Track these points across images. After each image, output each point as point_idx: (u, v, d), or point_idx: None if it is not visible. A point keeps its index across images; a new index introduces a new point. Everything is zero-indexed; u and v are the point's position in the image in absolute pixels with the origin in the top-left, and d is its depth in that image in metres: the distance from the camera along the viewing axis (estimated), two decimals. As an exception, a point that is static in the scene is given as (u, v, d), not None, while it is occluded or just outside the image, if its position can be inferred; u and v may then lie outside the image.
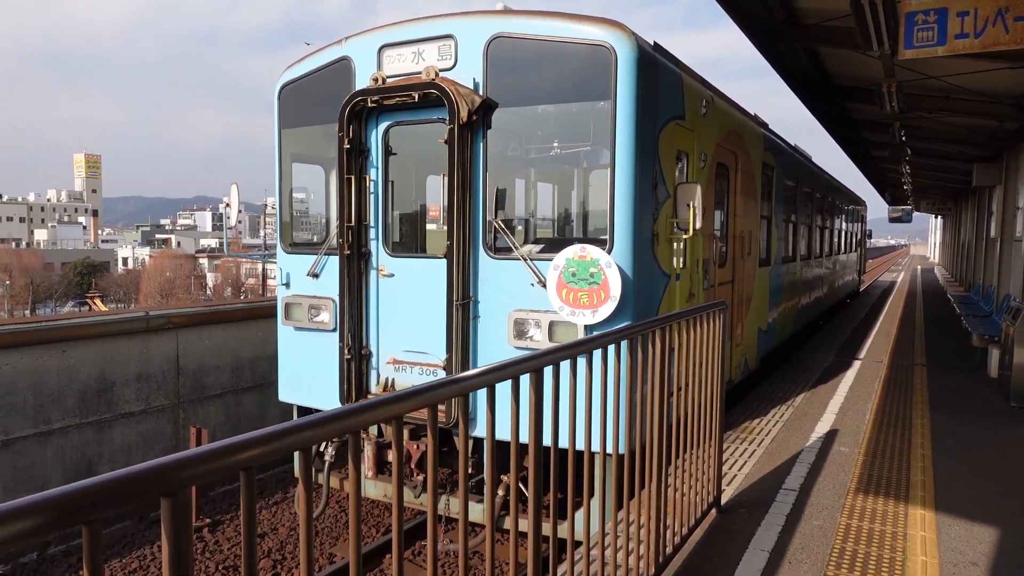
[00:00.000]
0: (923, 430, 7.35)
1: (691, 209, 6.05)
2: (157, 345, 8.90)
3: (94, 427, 8.24)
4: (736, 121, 8.46)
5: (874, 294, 26.54)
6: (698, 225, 6.11)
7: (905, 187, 26.55)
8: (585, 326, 5.51)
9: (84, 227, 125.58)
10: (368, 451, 6.53)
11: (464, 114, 5.75)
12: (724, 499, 5.27)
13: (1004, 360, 9.12)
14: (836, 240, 18.37)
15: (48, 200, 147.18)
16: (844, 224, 19.89)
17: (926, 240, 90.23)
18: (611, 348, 3.36)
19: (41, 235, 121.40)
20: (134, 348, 8.65)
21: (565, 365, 2.97)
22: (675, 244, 6.37)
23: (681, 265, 6.54)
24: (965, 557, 4.44)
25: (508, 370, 2.57)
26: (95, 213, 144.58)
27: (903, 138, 13.63)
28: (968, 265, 23.71)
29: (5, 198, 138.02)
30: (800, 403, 8.51)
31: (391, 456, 6.59)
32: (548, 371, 2.83)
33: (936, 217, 51.27)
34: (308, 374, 6.92)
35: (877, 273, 46.31)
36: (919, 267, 50.79)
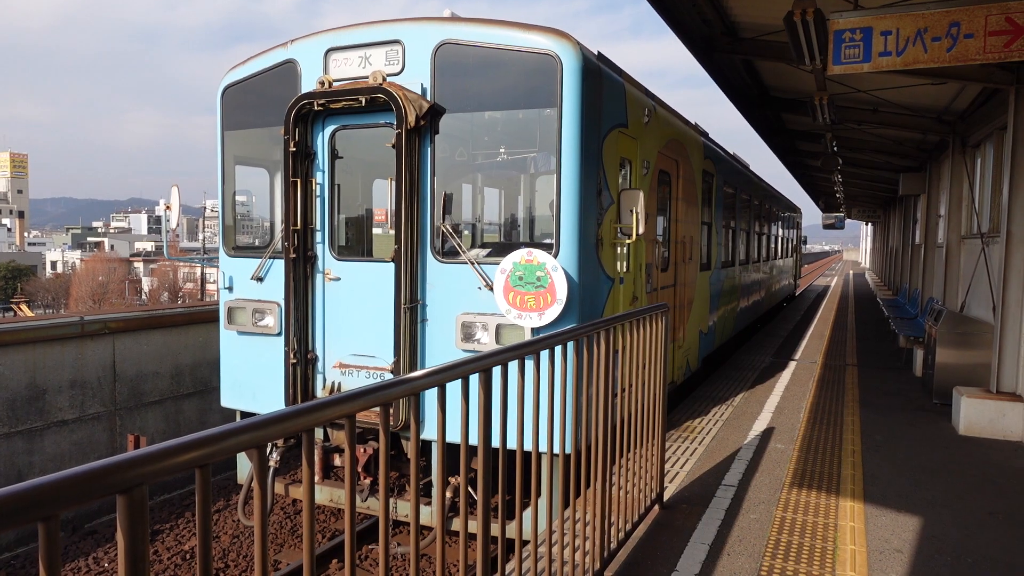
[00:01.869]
0: (853, 427, 7.71)
1: (634, 214, 6.22)
2: (93, 351, 8.61)
3: (24, 436, 7.92)
4: (677, 130, 8.66)
5: (809, 298, 27.54)
6: (641, 230, 6.27)
7: (837, 195, 27.65)
8: (532, 328, 5.60)
9: (9, 229, 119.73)
10: (315, 455, 6.44)
11: (412, 119, 5.78)
12: (667, 495, 5.44)
13: (927, 359, 9.63)
14: (773, 246, 18.99)
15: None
16: (781, 230, 20.63)
17: (858, 246, 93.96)
18: (558, 349, 3.43)
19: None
20: (68, 354, 8.35)
21: (513, 366, 3.02)
22: (619, 248, 6.50)
23: (625, 269, 6.67)
24: (890, 545, 4.70)
25: (458, 370, 2.61)
26: (21, 214, 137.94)
27: (835, 148, 14.23)
28: (896, 270, 24.85)
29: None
30: (739, 402, 8.81)
31: (338, 460, 6.53)
32: (496, 372, 2.89)
33: (867, 224, 53.45)
34: (252, 379, 6.84)
35: (812, 278, 48.00)
36: (851, 272, 52.89)
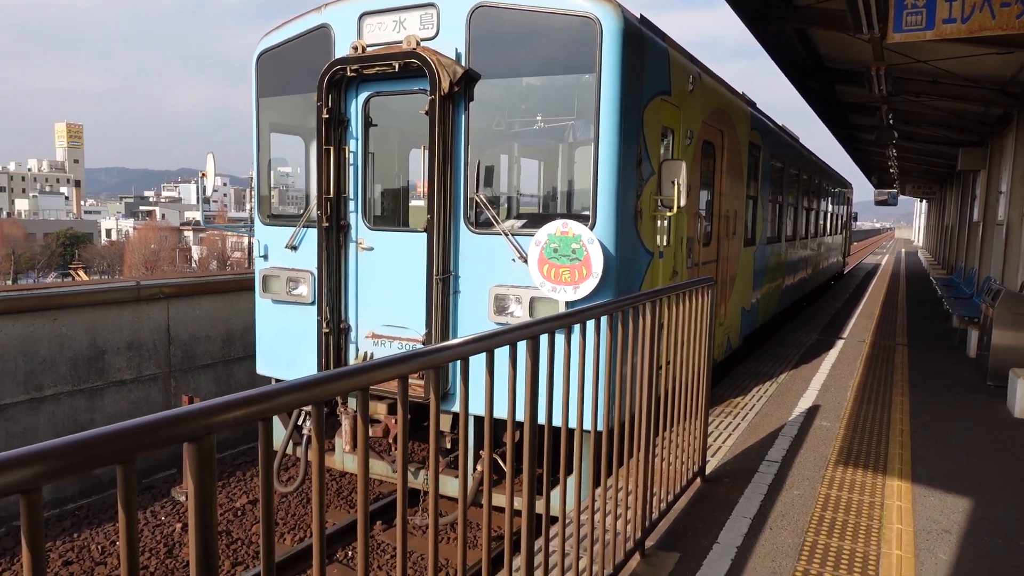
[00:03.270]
0: (902, 406, 7.55)
1: (675, 186, 6.00)
2: (148, 314, 8.91)
3: (86, 395, 8.27)
4: (723, 99, 8.36)
5: (858, 276, 26.86)
6: (682, 203, 6.08)
7: (891, 170, 26.77)
8: (566, 303, 5.48)
9: (67, 198, 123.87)
10: (346, 425, 6.50)
11: (445, 85, 5.63)
12: (709, 469, 5.43)
13: (983, 340, 9.35)
14: (821, 222, 18.45)
15: (29, 170, 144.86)
16: (830, 206, 19.97)
17: (911, 224, 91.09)
18: (591, 323, 3.31)
19: (22, 205, 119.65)
20: (125, 317, 8.66)
21: (544, 339, 2.91)
22: (659, 221, 6.32)
23: (665, 243, 6.49)
24: (938, 525, 4.62)
25: (503, 337, 2.56)
26: (77, 183, 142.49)
27: (890, 121, 13.75)
28: (951, 248, 24.04)
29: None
30: (784, 380, 8.69)
31: (370, 431, 6.62)
32: (544, 340, 2.83)
33: (921, 201, 51.75)
34: (286, 347, 6.85)
35: (862, 256, 46.77)
36: (903, 250, 51.34)
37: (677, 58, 6.63)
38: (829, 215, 19.99)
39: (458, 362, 2.39)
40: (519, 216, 6.75)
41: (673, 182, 6.02)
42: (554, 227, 5.42)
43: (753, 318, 10.83)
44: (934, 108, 13.65)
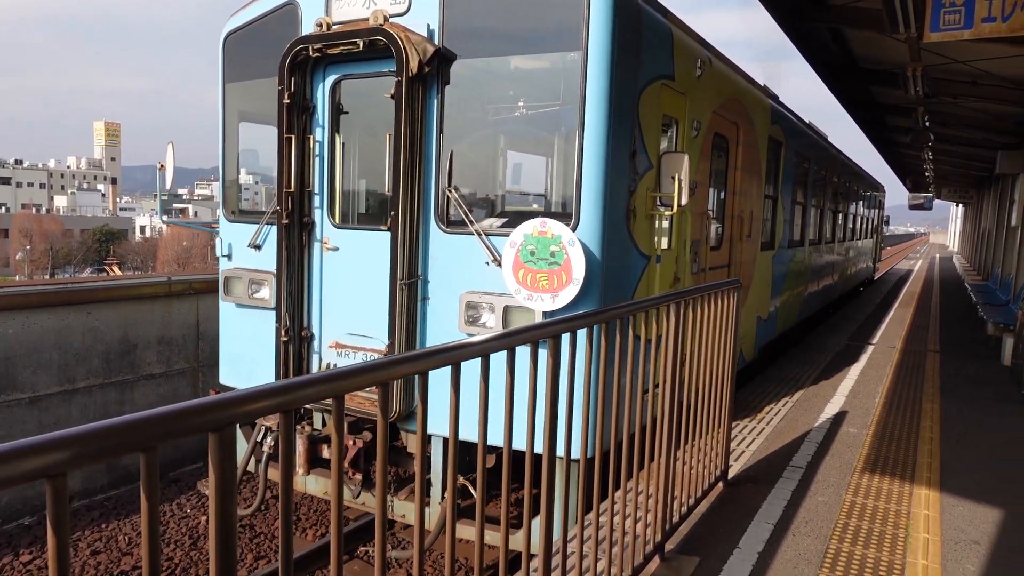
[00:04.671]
0: (932, 415, 7.40)
1: (676, 182, 5.34)
2: (178, 310, 9.07)
3: (117, 387, 8.45)
4: (738, 88, 7.63)
5: (890, 281, 26.38)
6: (683, 201, 5.42)
7: (926, 174, 26.26)
8: (544, 313, 4.86)
9: (103, 195, 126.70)
10: (300, 446, 5.85)
11: (414, 65, 5.02)
12: (732, 473, 5.37)
13: (1018, 348, 9.12)
14: (850, 225, 17.80)
15: (68, 167, 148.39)
16: (860, 209, 19.41)
17: (946, 228, 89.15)
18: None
19: (61, 201, 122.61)
20: (156, 312, 8.83)
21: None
22: (657, 222, 5.69)
23: (664, 246, 5.89)
24: (967, 536, 4.53)
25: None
26: (114, 181, 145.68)
27: (926, 123, 13.49)
28: (987, 254, 23.50)
29: (26, 164, 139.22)
30: (811, 384, 8.57)
31: (326, 452, 5.94)
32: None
33: (957, 205, 50.67)
34: (249, 355, 6.28)
35: (894, 261, 45.93)
36: (937, 255, 50.29)
37: (682, 39, 5.97)
38: (858, 218, 19.40)
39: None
40: (500, 214, 6.03)
41: (674, 177, 5.38)
42: (531, 227, 4.80)
43: (771, 327, 10.13)
44: (972, 110, 13.36)
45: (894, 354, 10.80)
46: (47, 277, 64.23)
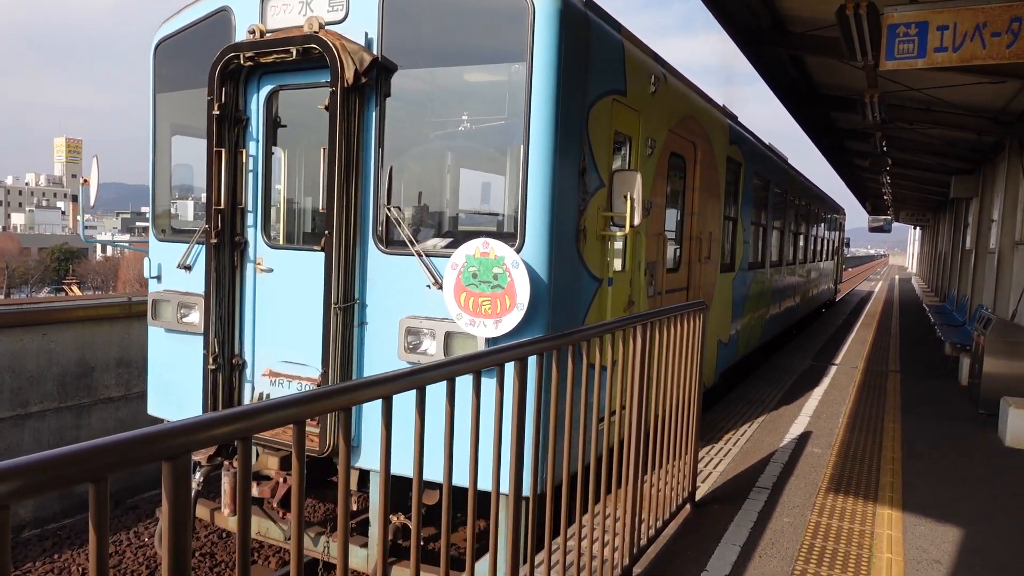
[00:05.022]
0: (894, 434, 7.53)
1: (628, 201, 5.16)
2: (139, 331, 8.86)
3: (73, 412, 8.20)
4: (695, 107, 7.45)
5: (851, 303, 26.93)
6: (636, 221, 5.23)
7: (885, 197, 26.97)
8: (486, 339, 4.58)
9: (63, 212, 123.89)
10: (226, 483, 5.47)
11: (350, 75, 4.77)
12: (699, 495, 5.39)
13: (974, 368, 9.35)
14: (811, 247, 17.96)
15: (27, 184, 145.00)
16: (821, 231, 19.66)
17: (904, 250, 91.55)
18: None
19: (18, 219, 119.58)
20: (115, 333, 8.62)
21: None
22: (609, 243, 5.45)
23: (617, 268, 5.67)
24: (928, 555, 4.59)
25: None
26: (75, 198, 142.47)
27: (884, 148, 13.88)
28: (944, 276, 24.16)
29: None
30: (776, 405, 8.67)
31: (256, 489, 5.45)
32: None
33: (915, 228, 52.10)
34: (179, 384, 5.89)
35: (855, 283, 46.95)
36: (897, 277, 51.57)
37: (635, 53, 5.80)
38: (820, 240, 19.61)
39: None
40: (444, 234, 5.68)
41: (626, 196, 5.19)
42: (473, 247, 4.54)
43: (732, 351, 9.89)
44: (928, 136, 13.79)
45: (856, 374, 10.99)
46: (1, 297, 62.41)
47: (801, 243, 15.95)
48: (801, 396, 9.23)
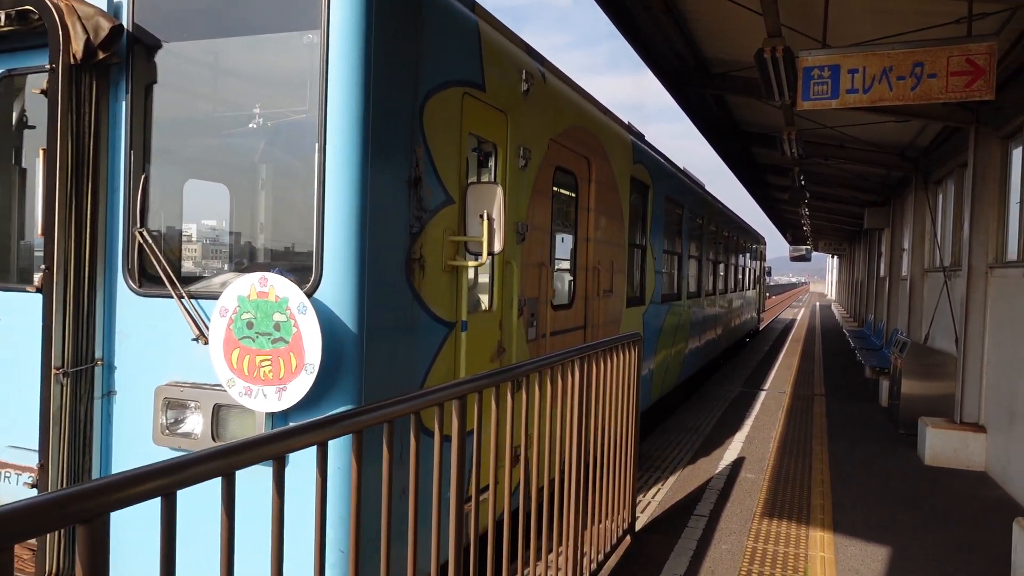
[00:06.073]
0: (822, 456, 7.77)
1: (485, 222, 4.10)
2: None
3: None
4: (588, 117, 6.44)
5: (775, 330, 27.91)
6: (498, 247, 4.15)
7: (805, 228, 28.23)
8: (267, 414, 3.33)
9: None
10: None
11: (78, 47, 3.45)
12: (639, 525, 5.41)
13: (893, 390, 9.79)
14: (733, 276, 17.37)
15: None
16: (742, 260, 19.55)
17: (824, 278, 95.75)
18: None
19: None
20: None
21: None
22: (463, 275, 4.25)
23: (484, 307, 4.69)
24: (860, 575, 4.72)
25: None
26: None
27: (802, 182, 14.55)
28: (861, 302, 25.34)
29: None
30: (710, 432, 8.84)
31: None
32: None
33: (833, 256, 54.62)
34: None
35: (778, 310, 48.74)
36: (817, 303, 53.83)
37: (497, 40, 4.64)
38: (741, 269, 19.37)
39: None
40: (237, 266, 4.24)
41: (482, 216, 4.11)
42: (247, 285, 3.27)
43: (646, 394, 8.63)
44: (842, 170, 14.56)
45: (784, 399, 11.34)
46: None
47: (721, 272, 15.35)
48: (733, 422, 9.44)
